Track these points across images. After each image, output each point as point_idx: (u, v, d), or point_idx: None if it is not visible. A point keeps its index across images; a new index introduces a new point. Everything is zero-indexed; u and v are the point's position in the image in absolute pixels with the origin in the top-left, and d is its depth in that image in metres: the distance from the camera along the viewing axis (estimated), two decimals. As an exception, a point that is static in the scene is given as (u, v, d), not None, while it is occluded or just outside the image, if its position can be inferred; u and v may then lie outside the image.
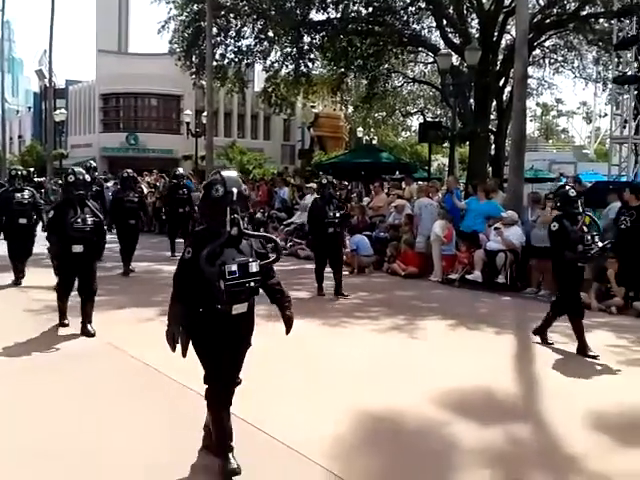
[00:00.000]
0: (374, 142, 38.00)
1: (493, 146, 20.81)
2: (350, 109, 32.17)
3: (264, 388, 4.81)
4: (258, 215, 15.68)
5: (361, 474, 3.70)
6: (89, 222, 6.56)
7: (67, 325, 6.80)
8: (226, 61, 21.79)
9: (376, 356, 6.17)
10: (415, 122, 34.84)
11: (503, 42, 20.65)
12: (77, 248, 6.49)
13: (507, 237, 10.15)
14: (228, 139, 40.89)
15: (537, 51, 22.42)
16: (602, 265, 8.89)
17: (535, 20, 18.32)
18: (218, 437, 3.56)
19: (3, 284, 9.30)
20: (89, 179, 6.89)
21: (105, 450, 3.89)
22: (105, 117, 42.07)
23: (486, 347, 6.64)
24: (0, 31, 34.69)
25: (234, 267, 3.31)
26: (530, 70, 21.51)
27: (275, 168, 33.90)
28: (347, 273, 10.64)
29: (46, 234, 6.92)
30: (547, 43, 22.47)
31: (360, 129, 37.72)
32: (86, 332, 6.58)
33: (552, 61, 24.63)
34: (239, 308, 3.45)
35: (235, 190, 3.38)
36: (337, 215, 9.08)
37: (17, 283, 9.39)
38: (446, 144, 22.01)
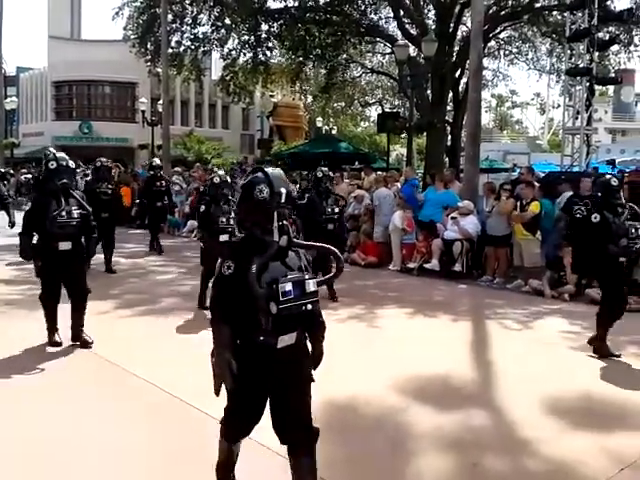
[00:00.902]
0: (333, 132, 38.12)
1: (450, 137, 21.08)
2: (309, 99, 32.14)
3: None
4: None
5: (323, 463, 3.72)
6: (75, 215, 5.75)
7: (59, 344, 5.86)
8: (182, 48, 21.48)
9: (337, 345, 6.19)
10: (374, 112, 35.10)
11: (459, 34, 20.91)
12: (64, 245, 5.69)
13: (463, 226, 10.32)
14: (185, 128, 40.29)
15: (492, 43, 22.78)
16: (556, 254, 9.15)
17: (490, 12, 18.59)
18: (217, 471, 3.20)
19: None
20: (73, 165, 6.02)
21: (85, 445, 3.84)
22: (58, 105, 40.91)
23: (444, 334, 6.77)
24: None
25: (289, 286, 2.74)
26: (485, 62, 21.88)
27: (234, 158, 33.64)
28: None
29: (19, 231, 5.93)
30: (502, 35, 22.86)
31: (319, 119, 37.80)
32: (82, 341, 5.88)
33: (507, 53, 25.06)
34: (286, 339, 2.86)
35: (284, 191, 2.84)
36: (336, 210, 8.50)
37: None
38: (404, 134, 22.17)
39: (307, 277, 2.84)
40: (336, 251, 3.08)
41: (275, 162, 23.81)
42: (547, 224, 9.80)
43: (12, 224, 8.97)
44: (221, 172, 8.32)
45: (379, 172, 16.63)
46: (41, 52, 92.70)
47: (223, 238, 7.18)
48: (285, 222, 2.82)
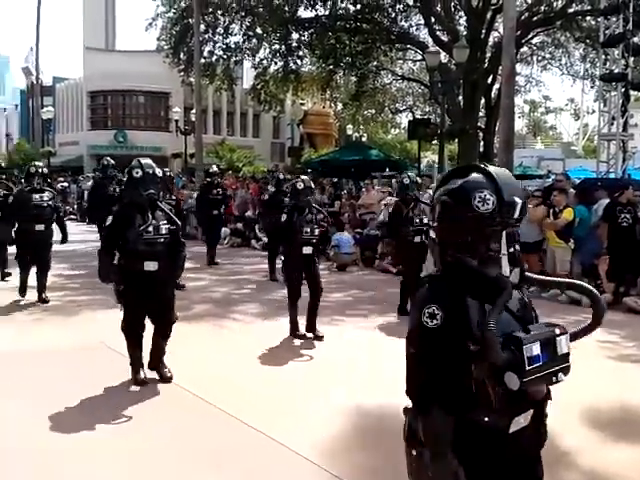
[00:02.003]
0: (364, 139, 38.05)
1: (482, 143, 20.92)
2: (339, 106, 32.21)
3: (261, 389, 4.83)
4: (248, 213, 15.65)
5: (357, 473, 3.72)
6: (163, 231, 4.99)
7: (145, 383, 5.05)
8: (214, 58, 21.82)
9: (368, 354, 6.18)
10: (404, 119, 34.96)
11: (491, 39, 20.83)
12: (150, 265, 4.92)
13: (497, 234, 10.18)
14: (217, 137, 40.75)
15: (525, 48, 22.60)
16: (592, 262, 9.01)
17: (522, 18, 18.45)
18: None
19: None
20: (160, 174, 5.31)
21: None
22: (93, 115, 41.78)
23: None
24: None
25: (536, 348, 1.81)
26: (518, 67, 21.66)
27: (265, 166, 33.88)
28: (327, 271, 10.90)
29: (98, 249, 5.27)
30: (534, 40, 22.68)
31: (349, 126, 37.79)
32: (161, 376, 5.16)
33: (540, 58, 24.83)
34: (521, 421, 1.94)
35: (519, 201, 1.90)
36: (424, 221, 7.73)
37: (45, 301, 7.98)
38: (435, 141, 22.08)
39: (558, 332, 1.91)
40: (595, 292, 2.13)
41: (304, 170, 23.89)
42: (581, 231, 9.63)
43: (65, 239, 8.43)
44: (305, 177, 7.35)
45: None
46: (77, 63, 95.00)
47: (306, 251, 6.59)
48: (517, 247, 1.95)
